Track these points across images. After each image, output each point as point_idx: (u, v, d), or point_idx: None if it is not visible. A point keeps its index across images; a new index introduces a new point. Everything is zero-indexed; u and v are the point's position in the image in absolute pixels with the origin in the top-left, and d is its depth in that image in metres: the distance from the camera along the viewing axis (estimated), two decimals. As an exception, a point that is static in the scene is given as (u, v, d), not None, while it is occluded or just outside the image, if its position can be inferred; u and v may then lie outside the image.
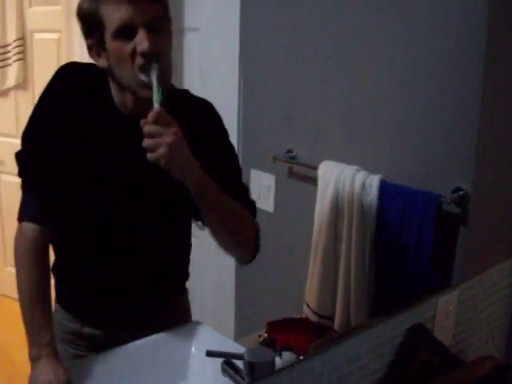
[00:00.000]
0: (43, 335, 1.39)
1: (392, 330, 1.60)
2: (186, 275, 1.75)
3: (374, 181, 1.79)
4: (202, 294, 2.50)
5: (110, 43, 1.33)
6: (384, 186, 1.79)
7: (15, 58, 3.54)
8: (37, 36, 3.40)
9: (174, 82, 2.18)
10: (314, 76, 2.03)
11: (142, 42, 1.30)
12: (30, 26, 3.43)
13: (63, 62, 3.17)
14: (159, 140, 1.26)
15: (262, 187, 2.21)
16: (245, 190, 1.61)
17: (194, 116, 1.37)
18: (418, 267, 1.77)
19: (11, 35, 3.52)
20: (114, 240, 1.53)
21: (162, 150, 1.25)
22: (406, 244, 1.78)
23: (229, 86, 2.26)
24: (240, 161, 2.25)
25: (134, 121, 1.43)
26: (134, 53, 1.32)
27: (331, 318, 1.92)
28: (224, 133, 1.59)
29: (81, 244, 1.54)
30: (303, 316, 1.99)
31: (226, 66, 2.27)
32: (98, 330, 1.59)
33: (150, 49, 1.30)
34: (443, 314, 1.72)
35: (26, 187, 1.48)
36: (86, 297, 1.59)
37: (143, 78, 1.32)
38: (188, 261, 1.74)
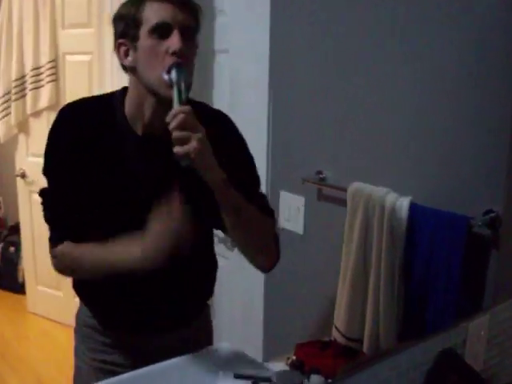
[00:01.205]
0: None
1: (422, 354, 1.58)
2: (210, 293, 1.77)
3: (404, 203, 1.78)
4: (230, 316, 2.50)
5: (145, 40, 1.39)
6: (414, 208, 1.77)
7: (48, 79, 3.59)
8: (69, 58, 3.46)
9: (205, 102, 2.18)
10: (344, 97, 2.03)
11: (175, 42, 1.37)
12: (62, 48, 3.48)
13: (95, 83, 3.25)
14: (190, 134, 1.30)
15: (292, 209, 2.20)
16: (263, 197, 1.64)
17: (212, 126, 1.38)
18: (448, 290, 1.75)
19: (44, 57, 3.58)
20: None
21: (193, 144, 1.29)
22: (436, 267, 1.76)
23: (258, 107, 2.27)
24: (269, 182, 2.26)
25: (149, 139, 1.47)
26: (165, 52, 1.38)
27: (360, 341, 1.90)
28: (241, 143, 1.60)
29: None
30: (332, 338, 1.97)
31: (256, 87, 2.28)
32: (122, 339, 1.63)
33: (182, 49, 1.37)
34: (474, 338, 1.70)
35: (51, 222, 1.55)
36: (110, 312, 1.62)
37: (167, 77, 1.37)
38: (214, 279, 1.77)
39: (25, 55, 3.67)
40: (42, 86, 3.64)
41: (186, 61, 1.40)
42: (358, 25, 1.95)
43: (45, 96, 3.63)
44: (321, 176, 2.10)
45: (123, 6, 1.45)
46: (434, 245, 1.75)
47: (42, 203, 1.56)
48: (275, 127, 2.25)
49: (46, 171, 1.53)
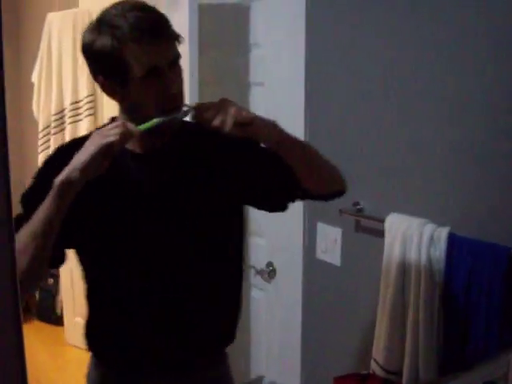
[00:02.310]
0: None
1: (463, 387, 1.56)
2: (230, 336, 1.66)
3: (442, 234, 1.77)
4: (267, 348, 2.49)
5: (136, 85, 1.36)
6: (452, 239, 1.76)
7: (86, 113, 3.65)
8: (107, 92, 3.50)
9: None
10: (380, 127, 2.03)
11: (170, 84, 1.35)
12: (100, 82, 3.53)
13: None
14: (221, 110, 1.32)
15: (329, 240, 2.20)
16: None
17: (220, 139, 1.38)
18: (489, 322, 1.72)
19: (83, 92, 3.63)
20: (151, 288, 1.50)
21: (230, 110, 1.32)
22: (476, 298, 1.74)
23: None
24: (306, 214, 2.26)
25: (152, 154, 1.46)
26: (162, 92, 1.36)
27: (399, 374, 1.88)
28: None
29: (118, 296, 1.51)
30: (370, 371, 1.95)
31: (292, 119, 2.29)
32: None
33: (178, 90, 1.37)
34: (516, 371, 1.67)
35: None
36: (126, 351, 1.56)
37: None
38: (235, 320, 1.65)
39: (64, 90, 3.73)
40: (81, 119, 3.69)
41: (180, 100, 1.39)
42: (396, 55, 1.95)
43: (83, 130, 3.68)
44: (358, 207, 2.09)
45: (94, 40, 1.36)
46: (473, 276, 1.74)
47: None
48: (311, 159, 2.25)
49: (32, 198, 1.39)
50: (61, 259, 1.45)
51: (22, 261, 1.25)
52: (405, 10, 1.91)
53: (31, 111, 3.93)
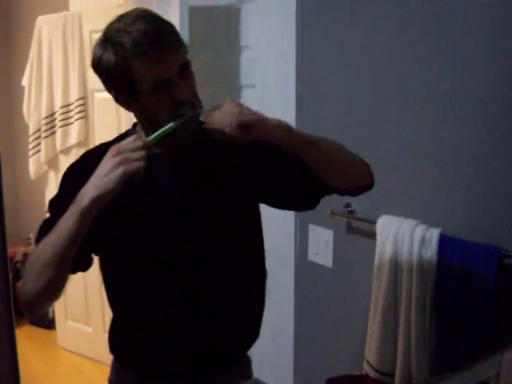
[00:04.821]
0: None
1: (455, 388, 1.56)
2: (256, 332, 1.67)
3: (434, 235, 1.77)
4: (260, 350, 2.49)
5: (146, 97, 1.34)
6: (444, 240, 1.76)
7: (77, 116, 3.64)
8: (97, 95, 3.50)
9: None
10: (371, 129, 2.03)
11: (179, 92, 1.33)
12: (91, 85, 3.53)
13: (123, 120, 3.29)
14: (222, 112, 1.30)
15: (320, 242, 2.20)
16: None
17: (235, 143, 1.35)
18: (480, 323, 1.73)
19: (73, 95, 3.63)
20: (174, 293, 1.49)
21: (234, 112, 1.30)
22: (468, 299, 1.74)
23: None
24: (298, 216, 2.26)
25: (168, 157, 1.46)
26: (172, 101, 1.33)
27: (392, 375, 1.88)
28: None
29: (138, 300, 1.51)
30: (363, 373, 1.96)
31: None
32: None
33: (189, 96, 1.35)
34: (508, 371, 1.67)
35: None
36: (149, 356, 1.55)
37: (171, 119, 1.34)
38: (261, 313, 1.66)
39: (54, 93, 3.72)
40: (72, 123, 3.68)
41: (193, 104, 1.36)
42: (388, 56, 1.96)
43: (74, 133, 3.67)
44: (349, 209, 2.09)
45: (101, 56, 1.34)
46: (465, 276, 1.74)
47: (40, 230, 1.42)
48: (303, 160, 2.25)
49: (59, 204, 1.37)
50: (87, 264, 1.47)
51: (44, 275, 1.33)
52: (396, 10, 1.91)
53: (22, 115, 3.92)
